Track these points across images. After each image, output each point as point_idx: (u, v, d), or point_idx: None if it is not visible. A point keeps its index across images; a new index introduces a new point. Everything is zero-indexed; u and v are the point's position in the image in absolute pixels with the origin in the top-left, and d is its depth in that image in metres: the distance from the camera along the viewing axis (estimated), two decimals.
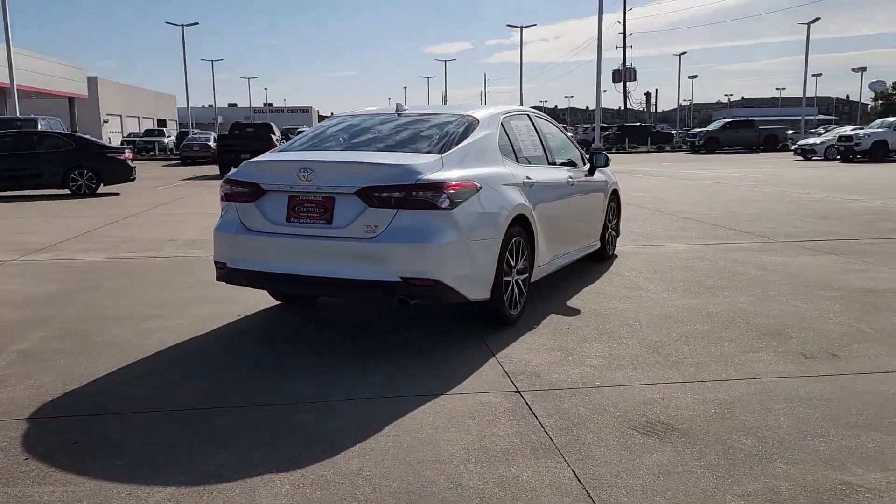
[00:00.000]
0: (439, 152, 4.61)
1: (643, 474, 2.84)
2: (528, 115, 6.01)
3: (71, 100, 54.61)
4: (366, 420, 3.40)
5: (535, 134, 5.91)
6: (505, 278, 4.80)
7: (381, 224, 4.25)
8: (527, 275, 5.17)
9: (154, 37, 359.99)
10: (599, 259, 7.34)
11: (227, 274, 4.71)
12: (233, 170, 5.40)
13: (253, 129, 25.77)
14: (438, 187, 4.27)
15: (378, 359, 4.34)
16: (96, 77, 64.52)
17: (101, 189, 16.94)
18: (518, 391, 3.76)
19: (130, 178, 17.78)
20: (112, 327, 5.06)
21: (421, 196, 4.23)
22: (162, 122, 74.29)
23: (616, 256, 7.68)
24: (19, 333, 4.93)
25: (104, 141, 34.24)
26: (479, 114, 5.27)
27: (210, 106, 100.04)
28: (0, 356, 4.43)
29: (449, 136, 4.88)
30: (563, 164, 6.33)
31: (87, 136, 19.50)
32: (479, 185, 4.54)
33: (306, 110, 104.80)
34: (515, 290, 4.99)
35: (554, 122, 6.78)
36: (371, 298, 5.07)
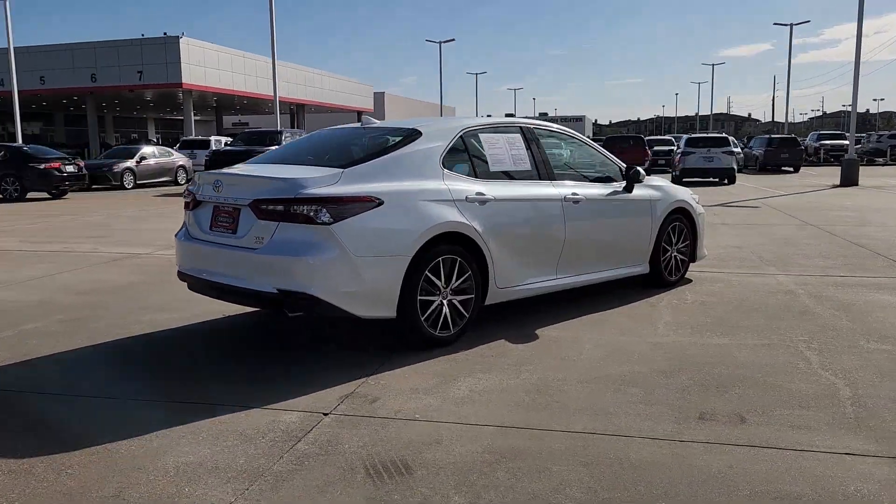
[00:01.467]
0: (344, 166, 4.60)
1: None
2: (520, 129, 5.65)
3: (359, 113, 60.77)
4: (126, 422, 3.56)
5: (524, 149, 5.54)
6: (423, 297, 4.63)
7: (266, 236, 4.38)
8: (471, 296, 4.91)
9: (437, 54, 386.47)
10: (656, 284, 6.61)
11: (179, 276, 5.15)
12: None
13: None
14: (318, 201, 4.28)
15: (251, 367, 4.46)
16: (383, 92, 71.11)
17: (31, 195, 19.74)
18: (326, 414, 3.66)
19: (55, 187, 20.25)
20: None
21: (299, 210, 4.28)
22: None
23: (680, 282, 6.84)
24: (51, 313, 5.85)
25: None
26: (428, 127, 5.13)
27: (489, 115, 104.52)
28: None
29: (372, 150, 4.86)
30: (580, 181, 5.88)
31: (23, 147, 21.61)
32: (379, 199, 4.45)
33: (580, 119, 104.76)
34: (447, 311, 4.78)
35: (580, 137, 6.27)
36: (261, 307, 5.12)
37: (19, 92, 34.74)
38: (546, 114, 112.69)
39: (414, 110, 73.72)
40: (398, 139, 4.97)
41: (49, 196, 20.62)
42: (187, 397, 3.93)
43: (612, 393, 3.94)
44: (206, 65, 40.64)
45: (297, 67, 50.78)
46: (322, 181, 4.41)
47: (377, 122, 5.51)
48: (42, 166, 20.16)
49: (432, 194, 4.74)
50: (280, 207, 4.32)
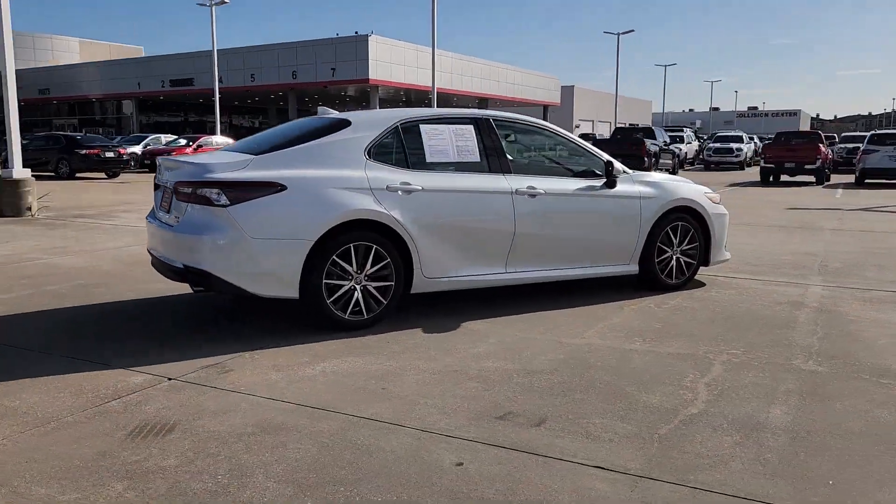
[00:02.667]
0: (259, 153, 4.89)
1: None
2: (473, 120, 5.57)
3: (545, 107, 60.71)
4: (6, 369, 4.11)
5: (475, 140, 5.48)
6: (331, 281, 4.81)
7: (180, 215, 4.81)
8: (390, 283, 5.01)
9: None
10: (651, 287, 6.23)
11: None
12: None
13: (621, 136, 25.79)
14: (218, 185, 4.62)
15: (163, 334, 4.88)
16: (573, 86, 70.32)
17: None
18: (170, 379, 3.99)
19: (97, 169, 23.48)
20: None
21: (202, 193, 4.65)
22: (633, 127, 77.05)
23: (686, 286, 6.36)
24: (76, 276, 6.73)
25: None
26: (359, 118, 5.28)
27: (691, 110, 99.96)
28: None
29: (298, 138, 5.08)
30: (548, 175, 5.75)
31: (76, 135, 24.30)
32: (282, 185, 4.70)
33: (794, 113, 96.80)
34: (359, 296, 4.93)
35: (560, 132, 6.03)
36: (177, 281, 5.35)
37: (233, 88, 39.46)
38: (756, 108, 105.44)
39: (604, 103, 72.07)
40: (324, 129, 5.18)
41: (105, 177, 24.49)
42: (83, 354, 4.44)
43: (446, 386, 3.90)
44: (393, 61, 42.70)
45: (479, 61, 51.71)
46: (230, 167, 4.76)
47: (333, 113, 5.72)
48: (84, 151, 23.30)
49: (346, 182, 4.90)
50: (189, 190, 4.72)
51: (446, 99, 55.36)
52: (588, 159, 6.05)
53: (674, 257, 6.31)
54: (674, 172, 26.15)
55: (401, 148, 5.25)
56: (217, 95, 37.72)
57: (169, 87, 49.04)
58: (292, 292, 4.77)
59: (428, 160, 5.31)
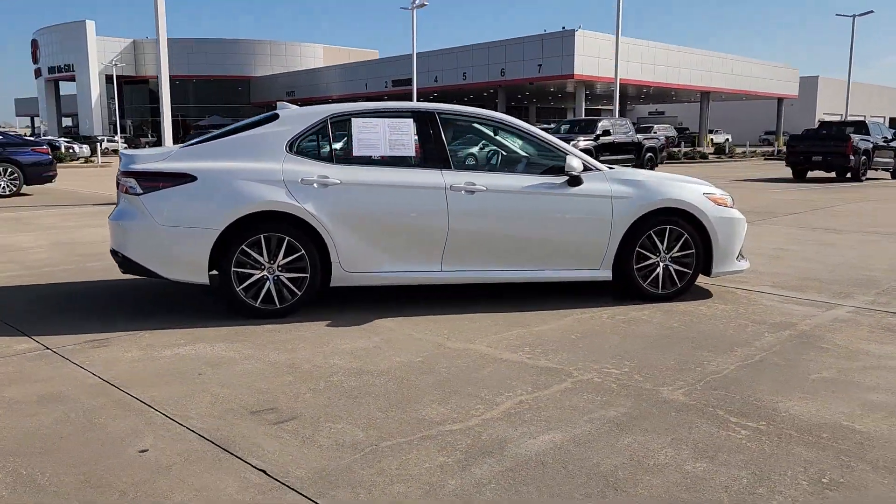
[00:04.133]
0: (184, 145, 5.19)
1: None
2: (413, 114, 5.39)
3: (779, 100, 55.82)
4: None
5: (412, 135, 5.31)
6: (241, 269, 5.00)
7: (118, 203, 5.26)
8: (305, 275, 5.08)
9: None
10: (632, 296, 5.64)
11: None
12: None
13: (827, 130, 22.75)
14: (134, 175, 5.00)
15: (101, 309, 5.33)
16: (816, 76, 63.81)
17: None
18: (47, 348, 4.42)
19: None
20: None
21: (123, 182, 5.06)
22: None
23: (681, 297, 5.66)
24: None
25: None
26: (287, 112, 5.37)
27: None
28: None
29: (228, 131, 5.31)
30: (498, 171, 5.47)
31: None
32: (192, 175, 4.96)
33: None
34: (271, 286, 5.06)
35: (524, 127, 5.62)
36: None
37: (447, 86, 42.18)
38: None
39: (854, 95, 64.65)
40: (254, 122, 5.36)
41: None
42: (15, 321, 5.05)
43: (255, 378, 3.91)
44: (601, 55, 41.69)
45: (698, 52, 48.72)
46: (152, 158, 5.11)
47: (289, 108, 5.84)
48: None
49: (259, 175, 5.04)
50: (120, 179, 5.16)
51: (663, 94, 53.05)
52: (554, 156, 5.61)
53: (660, 265, 5.64)
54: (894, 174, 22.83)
55: (326, 142, 5.28)
56: (414, 91, 39.41)
57: (391, 87, 52.22)
58: (202, 278, 5.02)
59: (355, 154, 5.28)
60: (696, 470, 2.84)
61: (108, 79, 66.12)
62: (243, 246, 4.99)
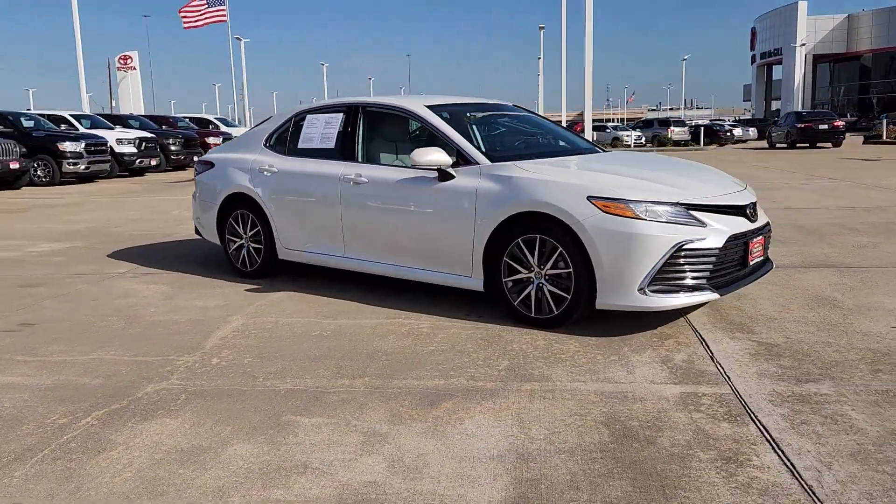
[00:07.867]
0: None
1: None
2: (344, 109, 5.57)
3: None
4: None
5: (337, 128, 5.60)
6: (230, 237, 6.35)
7: None
8: (260, 246, 6.11)
9: None
10: (510, 317, 4.71)
11: None
12: None
13: None
14: (197, 163, 6.82)
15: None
16: None
17: None
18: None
19: None
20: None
21: (195, 166, 6.96)
22: None
23: (572, 323, 4.40)
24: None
25: None
26: (279, 112, 6.23)
27: None
28: None
29: (250, 128, 6.56)
30: (394, 164, 5.34)
31: None
32: (213, 163, 6.51)
33: None
34: (245, 252, 6.26)
35: (429, 120, 5.07)
36: None
37: None
38: None
39: None
40: (261, 122, 6.45)
41: None
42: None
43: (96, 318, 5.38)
44: None
45: None
46: (215, 150, 6.85)
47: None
48: None
49: (241, 164, 6.22)
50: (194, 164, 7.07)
51: None
52: (449, 148, 5.03)
53: (534, 282, 4.53)
54: None
55: (287, 137, 6.04)
56: None
57: None
58: (215, 240, 6.58)
59: (299, 147, 5.92)
60: None
61: (817, 59, 65.38)
62: (230, 220, 6.34)
